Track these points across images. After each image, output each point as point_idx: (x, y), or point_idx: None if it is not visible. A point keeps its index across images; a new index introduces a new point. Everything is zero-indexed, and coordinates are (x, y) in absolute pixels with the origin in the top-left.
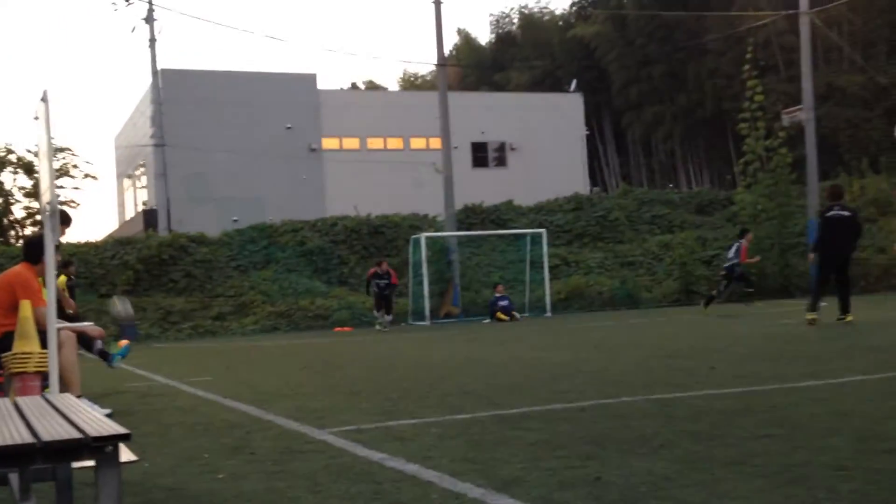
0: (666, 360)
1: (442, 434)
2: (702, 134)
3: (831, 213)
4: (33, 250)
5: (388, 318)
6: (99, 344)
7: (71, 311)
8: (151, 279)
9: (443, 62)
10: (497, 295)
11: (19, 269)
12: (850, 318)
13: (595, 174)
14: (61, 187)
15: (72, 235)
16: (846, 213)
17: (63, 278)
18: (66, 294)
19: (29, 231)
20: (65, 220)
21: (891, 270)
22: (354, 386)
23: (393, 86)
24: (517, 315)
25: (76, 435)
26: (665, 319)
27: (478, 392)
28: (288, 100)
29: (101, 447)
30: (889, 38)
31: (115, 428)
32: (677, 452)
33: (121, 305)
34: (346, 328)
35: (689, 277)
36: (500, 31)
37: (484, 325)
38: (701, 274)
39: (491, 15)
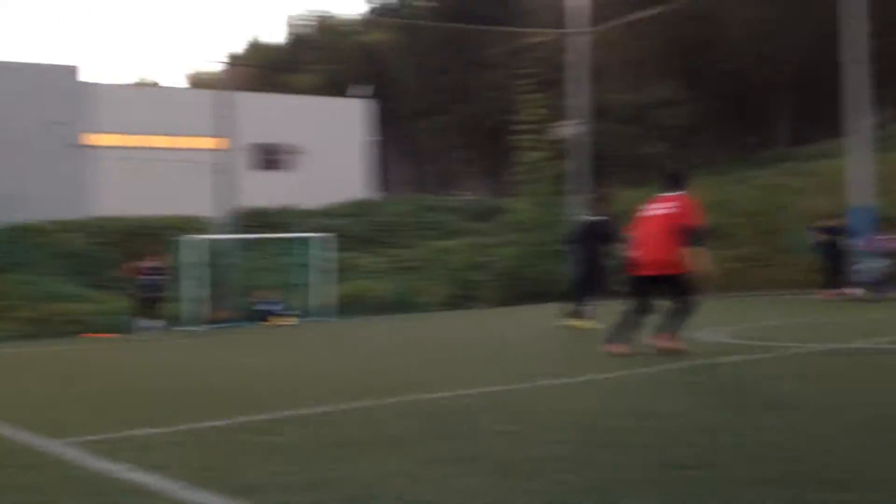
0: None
1: (182, 442)
2: (484, 144)
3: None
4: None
5: (160, 322)
6: None
7: None
8: None
9: (230, 61)
10: (262, 300)
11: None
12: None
13: (386, 180)
14: None
15: None
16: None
17: None
18: None
19: None
20: None
21: None
22: (102, 396)
23: (181, 84)
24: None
25: None
26: (437, 323)
27: (229, 399)
28: (48, 92)
29: None
30: (656, 60)
31: None
32: (417, 451)
33: None
34: (102, 334)
35: (465, 283)
36: (294, 32)
37: (254, 329)
38: (476, 279)
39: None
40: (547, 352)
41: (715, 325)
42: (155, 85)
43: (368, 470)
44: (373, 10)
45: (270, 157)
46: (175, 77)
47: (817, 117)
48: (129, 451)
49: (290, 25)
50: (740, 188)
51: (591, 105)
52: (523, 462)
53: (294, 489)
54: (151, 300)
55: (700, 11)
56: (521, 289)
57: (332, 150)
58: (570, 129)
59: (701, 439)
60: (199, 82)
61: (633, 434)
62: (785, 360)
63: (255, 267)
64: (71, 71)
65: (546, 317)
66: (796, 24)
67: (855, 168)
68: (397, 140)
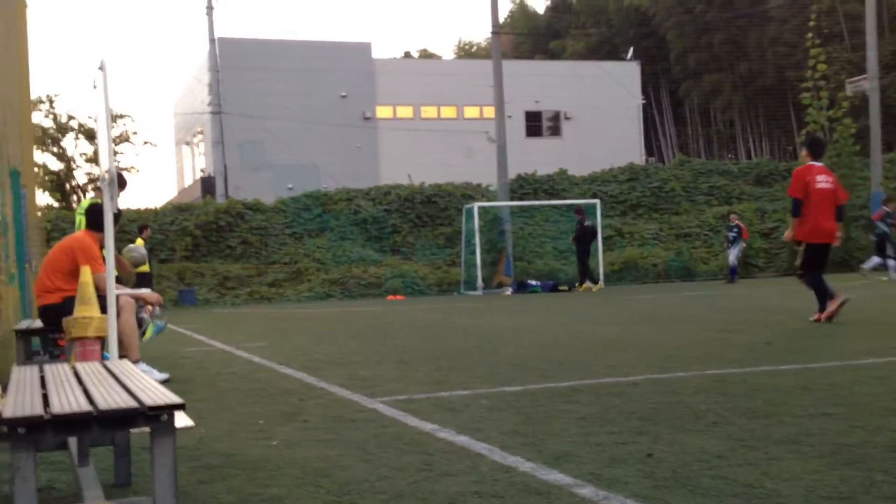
0: (721, 335)
1: (492, 406)
2: (762, 103)
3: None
4: (96, 217)
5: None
6: (142, 313)
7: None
8: (209, 245)
9: (497, 30)
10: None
11: (81, 235)
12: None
13: (651, 144)
14: (120, 153)
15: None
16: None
17: (140, 241)
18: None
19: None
20: (120, 184)
21: None
22: (405, 355)
23: (448, 54)
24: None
25: (132, 403)
26: (720, 292)
27: (528, 364)
28: (342, 68)
29: (156, 416)
30: None
31: (170, 397)
32: (731, 430)
33: (136, 253)
34: (398, 296)
35: (748, 250)
36: None
37: (538, 295)
38: (759, 247)
39: None
40: (852, 327)
41: None
42: (435, 57)
43: (686, 447)
44: None
45: (542, 124)
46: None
47: None
48: (440, 411)
49: None
50: None
51: (886, 58)
52: (848, 447)
53: (610, 462)
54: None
55: None
56: None
57: (601, 115)
58: (864, 83)
59: None
60: (468, 53)
61: None
62: None
63: (530, 233)
64: (365, 48)
65: (846, 288)
66: None
67: None
68: (667, 103)
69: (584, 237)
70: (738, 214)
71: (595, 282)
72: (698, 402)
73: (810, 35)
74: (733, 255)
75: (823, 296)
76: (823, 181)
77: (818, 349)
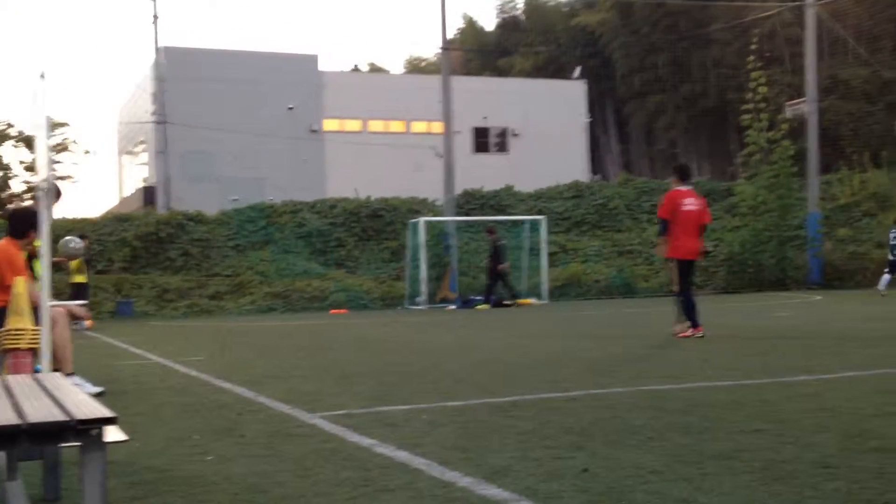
0: (659, 351)
1: (433, 421)
2: (704, 124)
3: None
4: (18, 224)
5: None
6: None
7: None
8: (149, 256)
9: (446, 46)
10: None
11: (3, 244)
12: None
13: (596, 162)
14: (58, 162)
15: (68, 211)
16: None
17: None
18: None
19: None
20: (56, 195)
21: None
22: (346, 370)
23: (397, 69)
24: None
25: (62, 417)
26: (661, 310)
27: (470, 379)
28: (290, 80)
29: (86, 430)
30: (894, 33)
31: (101, 410)
32: (666, 445)
33: (73, 244)
34: (341, 310)
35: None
36: (505, 16)
37: (479, 310)
38: (698, 265)
39: (496, 0)
40: (790, 344)
41: None
42: (384, 71)
43: (622, 462)
44: None
45: (490, 140)
46: (394, 63)
47: None
48: (380, 426)
49: (500, 9)
50: None
51: (825, 82)
52: (779, 464)
53: (548, 476)
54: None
55: None
56: (749, 276)
57: (548, 133)
58: (802, 106)
59: None
60: (416, 68)
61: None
62: None
63: (475, 249)
64: (313, 60)
65: (782, 306)
66: None
67: None
68: (613, 122)
69: (499, 255)
70: None
71: (515, 298)
72: (635, 417)
73: (752, 58)
74: None
75: (693, 310)
76: (691, 204)
77: (752, 366)
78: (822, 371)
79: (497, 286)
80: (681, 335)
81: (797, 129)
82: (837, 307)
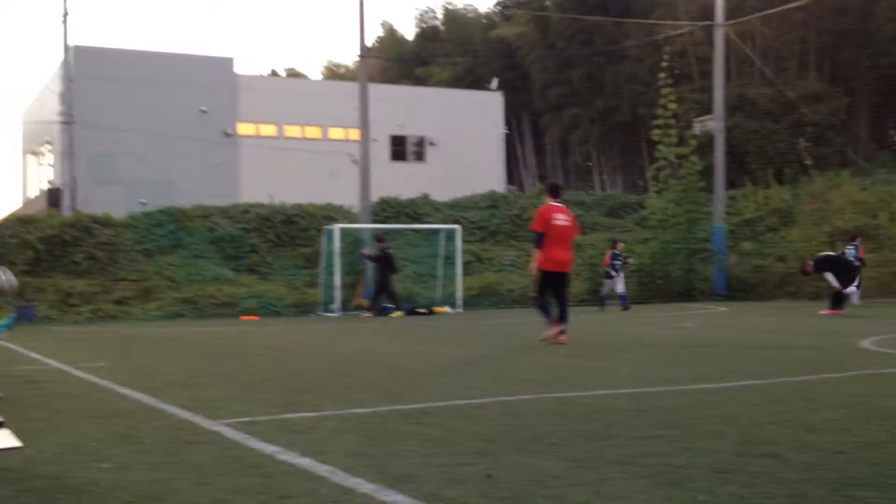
0: (569, 360)
1: (338, 428)
2: (617, 138)
3: None
4: None
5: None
6: None
7: None
8: (53, 260)
9: (364, 53)
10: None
11: None
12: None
13: (512, 173)
14: None
15: None
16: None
17: None
18: None
19: None
20: None
21: (787, 279)
22: (254, 377)
23: (315, 75)
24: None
25: None
26: (573, 319)
27: (380, 386)
28: (203, 83)
29: None
30: (799, 54)
31: None
32: (568, 451)
33: (3, 276)
34: (253, 317)
35: (598, 278)
36: (424, 25)
37: (394, 317)
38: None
39: (415, 9)
40: (692, 354)
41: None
42: (301, 76)
43: (525, 467)
44: (504, 2)
45: (407, 148)
46: (312, 68)
47: None
48: (284, 433)
49: (420, 19)
50: (890, 189)
51: (732, 99)
52: (675, 469)
53: (451, 482)
54: None
55: (845, 3)
56: (658, 287)
57: (465, 143)
58: (710, 123)
59: (871, 457)
60: (335, 74)
61: (792, 446)
62: None
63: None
64: (227, 63)
65: (686, 317)
66: None
67: None
68: (529, 133)
69: (389, 264)
70: (623, 243)
71: (399, 308)
72: (541, 423)
73: (663, 75)
74: (621, 283)
75: (547, 310)
76: (561, 219)
77: (657, 374)
78: (722, 380)
79: (383, 295)
80: (544, 339)
81: (705, 145)
82: (740, 318)
